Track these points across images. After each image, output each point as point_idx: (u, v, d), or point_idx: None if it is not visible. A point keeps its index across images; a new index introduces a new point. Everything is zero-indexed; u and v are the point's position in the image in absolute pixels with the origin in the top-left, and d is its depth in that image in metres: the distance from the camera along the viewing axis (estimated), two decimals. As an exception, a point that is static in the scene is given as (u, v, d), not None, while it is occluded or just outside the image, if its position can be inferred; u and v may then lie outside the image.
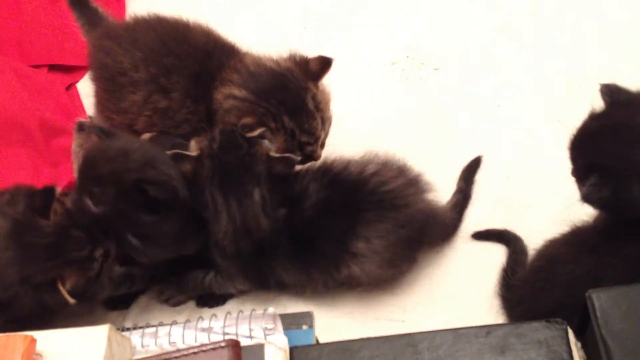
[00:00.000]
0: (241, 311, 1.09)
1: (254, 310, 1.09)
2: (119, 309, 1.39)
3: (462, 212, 1.50)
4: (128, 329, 1.07)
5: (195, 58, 1.39)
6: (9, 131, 1.58)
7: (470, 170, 1.56)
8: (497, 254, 1.43)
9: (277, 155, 1.30)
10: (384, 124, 1.69)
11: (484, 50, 1.80)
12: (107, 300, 1.39)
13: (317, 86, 1.38)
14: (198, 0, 1.97)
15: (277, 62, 1.39)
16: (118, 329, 1.00)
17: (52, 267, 1.15)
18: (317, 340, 1.20)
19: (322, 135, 1.40)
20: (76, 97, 1.76)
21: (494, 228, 1.46)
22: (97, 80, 1.48)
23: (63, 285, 1.16)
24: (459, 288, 1.40)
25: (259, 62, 1.39)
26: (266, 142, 1.33)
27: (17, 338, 0.89)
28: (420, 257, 1.43)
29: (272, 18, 1.93)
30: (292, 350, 1.06)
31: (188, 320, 1.10)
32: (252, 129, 1.31)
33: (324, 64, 1.38)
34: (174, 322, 1.08)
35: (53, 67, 1.81)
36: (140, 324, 1.13)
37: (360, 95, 1.75)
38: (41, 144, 1.60)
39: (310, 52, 1.80)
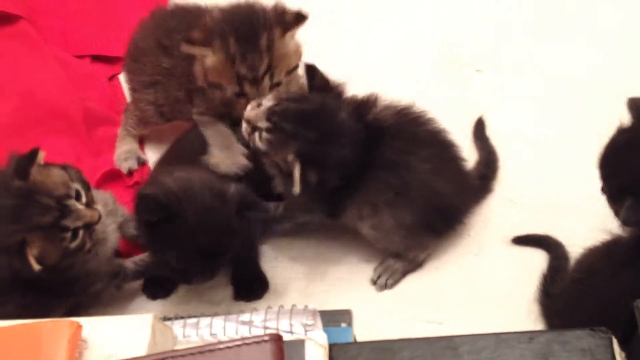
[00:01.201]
0: (282, 306, 1.08)
1: (294, 305, 1.08)
2: (159, 298, 1.40)
3: (493, 167, 1.51)
4: (170, 319, 1.07)
5: (192, 17, 1.44)
6: (53, 120, 1.61)
7: (479, 129, 1.59)
8: (539, 259, 1.41)
9: None
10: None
11: (525, 52, 1.78)
12: (146, 289, 1.41)
13: (282, 34, 1.37)
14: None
15: (259, 3, 1.41)
16: (161, 319, 1.00)
17: (15, 230, 1.15)
18: (355, 338, 1.19)
19: (266, 82, 1.37)
20: (118, 88, 1.77)
21: (535, 233, 1.44)
22: (125, 63, 1.59)
23: (30, 251, 1.15)
24: (499, 292, 1.39)
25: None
26: None
27: (64, 324, 0.89)
28: (461, 259, 1.41)
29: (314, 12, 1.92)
30: (332, 347, 1.05)
31: (229, 313, 1.10)
32: (192, 43, 1.33)
33: (299, 18, 1.38)
34: (215, 314, 1.08)
35: (96, 58, 1.83)
36: (181, 314, 1.14)
37: (402, 95, 1.72)
38: (84, 133, 1.62)
39: (353, 52, 1.82)
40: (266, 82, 1.36)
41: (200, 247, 1.23)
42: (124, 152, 1.61)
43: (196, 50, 1.35)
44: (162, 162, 1.49)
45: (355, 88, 1.49)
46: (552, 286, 1.32)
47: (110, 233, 1.33)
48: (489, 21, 1.85)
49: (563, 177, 1.54)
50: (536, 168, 1.56)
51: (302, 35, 1.42)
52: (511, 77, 1.73)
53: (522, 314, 1.36)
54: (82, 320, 0.92)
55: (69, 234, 1.19)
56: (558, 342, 1.04)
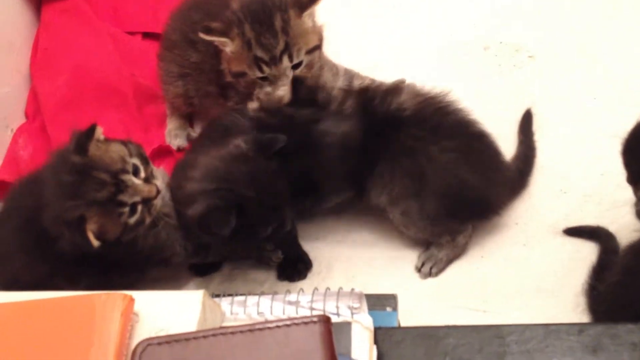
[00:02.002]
0: (328, 288, 1.09)
1: (341, 288, 1.08)
2: (206, 275, 1.42)
3: (530, 163, 1.49)
4: (217, 296, 1.08)
5: (219, 7, 1.43)
6: (104, 95, 1.63)
7: (526, 122, 1.56)
8: (587, 251, 1.39)
9: None
10: (473, 109, 1.63)
11: (581, 40, 1.73)
12: (194, 266, 1.42)
13: (299, 15, 1.36)
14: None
15: None
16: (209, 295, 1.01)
17: (74, 206, 1.16)
18: (399, 323, 1.19)
19: (285, 63, 1.36)
20: (168, 66, 1.78)
21: (588, 225, 1.41)
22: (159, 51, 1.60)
23: (89, 226, 1.16)
24: (545, 283, 1.37)
25: None
26: None
27: (118, 297, 0.91)
28: (508, 249, 1.40)
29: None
30: (377, 330, 1.05)
31: (274, 292, 1.11)
32: (210, 33, 1.34)
33: None
34: (262, 293, 1.09)
35: (147, 35, 1.84)
36: (229, 292, 1.15)
37: (451, 80, 1.70)
38: (134, 109, 1.63)
39: (400, 34, 1.79)
40: (285, 62, 1.36)
41: (270, 206, 1.23)
42: (174, 129, 1.62)
43: (215, 39, 1.36)
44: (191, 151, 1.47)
45: (398, 73, 1.52)
46: (600, 280, 1.30)
47: (172, 206, 1.33)
48: (546, 5, 1.81)
49: (614, 169, 1.50)
50: (587, 158, 1.53)
51: (340, 17, 1.41)
52: (565, 65, 1.69)
53: (568, 306, 1.34)
54: (134, 293, 0.93)
55: (127, 209, 1.19)
56: (608, 335, 1.03)
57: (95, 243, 1.16)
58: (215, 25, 1.35)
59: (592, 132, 1.57)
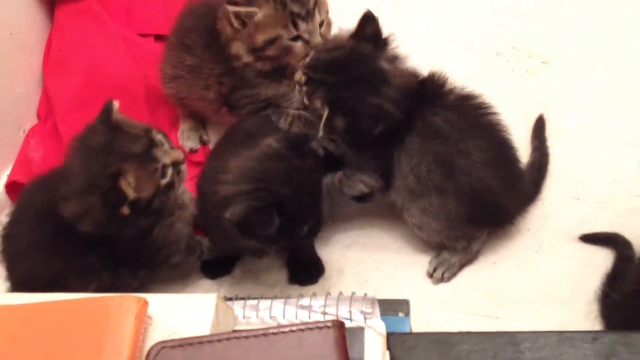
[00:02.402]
0: (341, 293, 1.08)
1: (353, 293, 1.08)
2: (218, 278, 1.42)
3: (543, 170, 1.48)
4: (230, 299, 1.08)
5: (211, 14, 1.45)
6: (116, 96, 1.58)
7: (539, 128, 1.55)
8: (601, 258, 1.38)
9: None
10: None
11: (596, 46, 1.73)
12: (206, 268, 1.42)
13: None
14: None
15: None
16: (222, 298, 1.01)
17: (110, 161, 1.17)
18: (411, 329, 1.19)
19: (317, 17, 1.38)
20: (180, 68, 1.79)
21: (604, 231, 1.41)
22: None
23: (125, 180, 1.17)
24: (557, 290, 1.37)
25: None
26: None
27: (131, 299, 0.91)
28: (520, 255, 1.39)
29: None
30: (389, 336, 1.05)
31: (285, 296, 1.10)
32: (236, 3, 1.34)
33: None
34: (275, 297, 1.09)
35: (159, 37, 1.84)
36: (240, 295, 1.14)
37: (464, 84, 1.70)
38: (146, 110, 1.63)
39: (412, 39, 1.78)
40: (317, 16, 1.37)
41: (308, 203, 1.22)
42: (187, 130, 1.63)
43: (241, 10, 1.35)
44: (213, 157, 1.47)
45: None
46: (614, 288, 1.29)
47: (187, 201, 1.34)
48: (560, 10, 1.81)
49: (627, 176, 1.51)
50: (601, 165, 1.53)
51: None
52: (579, 71, 1.69)
53: (581, 313, 1.33)
54: (148, 296, 0.93)
55: (159, 166, 1.22)
56: (622, 343, 1.02)
57: (132, 194, 1.17)
58: None
59: (606, 139, 1.56)
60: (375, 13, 1.76)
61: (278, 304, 1.06)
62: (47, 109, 1.71)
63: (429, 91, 1.34)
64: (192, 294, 1.15)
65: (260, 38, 1.37)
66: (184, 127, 1.63)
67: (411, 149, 1.31)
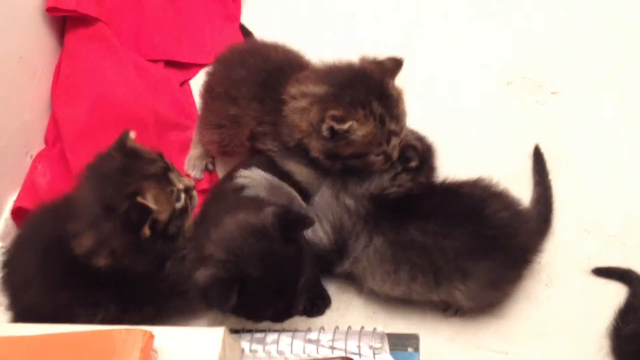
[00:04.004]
0: (350, 327, 1.07)
1: (362, 327, 1.07)
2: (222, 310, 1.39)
3: (549, 202, 1.46)
4: (236, 331, 1.06)
5: (264, 68, 1.41)
6: (125, 122, 1.61)
7: (538, 161, 1.54)
8: (613, 292, 1.36)
9: None
10: (495, 144, 1.64)
11: (606, 76, 1.73)
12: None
13: (393, 82, 1.33)
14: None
15: (350, 62, 1.35)
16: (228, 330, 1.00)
17: (127, 182, 1.18)
18: (420, 364, 1.17)
19: (404, 128, 1.33)
20: (189, 94, 1.79)
21: (617, 266, 1.39)
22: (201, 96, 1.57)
23: (144, 198, 1.18)
24: (568, 324, 1.35)
25: (331, 64, 1.36)
26: None
27: (137, 333, 0.89)
28: (530, 288, 1.38)
29: (385, 31, 1.90)
30: (398, 372, 1.03)
31: (296, 329, 1.09)
32: (343, 121, 1.24)
33: (397, 63, 1.34)
34: (283, 330, 1.07)
35: (169, 63, 1.85)
36: (247, 327, 1.13)
37: (474, 114, 1.70)
38: (154, 136, 1.62)
39: (424, 69, 1.79)
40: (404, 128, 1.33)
41: (276, 289, 1.18)
42: (194, 158, 1.62)
43: (346, 127, 1.25)
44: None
45: (421, 106, 1.47)
46: (626, 324, 1.27)
47: None
48: (570, 41, 1.81)
49: (638, 208, 1.49)
50: (611, 197, 1.51)
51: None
52: (589, 101, 1.68)
53: (592, 348, 1.31)
54: (154, 329, 0.92)
55: (175, 189, 1.23)
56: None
57: (154, 206, 1.18)
58: (338, 112, 1.25)
59: (617, 171, 1.55)
60: (389, 44, 1.79)
61: (286, 338, 1.05)
62: (55, 134, 1.70)
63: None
64: (198, 327, 1.13)
65: (348, 151, 1.29)
66: (192, 154, 1.62)
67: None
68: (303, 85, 1.32)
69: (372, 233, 1.29)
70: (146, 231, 1.18)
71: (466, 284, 1.28)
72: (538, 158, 1.56)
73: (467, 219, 1.28)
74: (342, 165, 1.32)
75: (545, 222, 1.44)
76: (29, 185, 1.63)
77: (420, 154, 1.31)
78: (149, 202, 1.18)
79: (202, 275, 1.15)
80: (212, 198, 1.41)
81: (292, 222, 1.20)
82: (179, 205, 1.25)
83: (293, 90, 1.32)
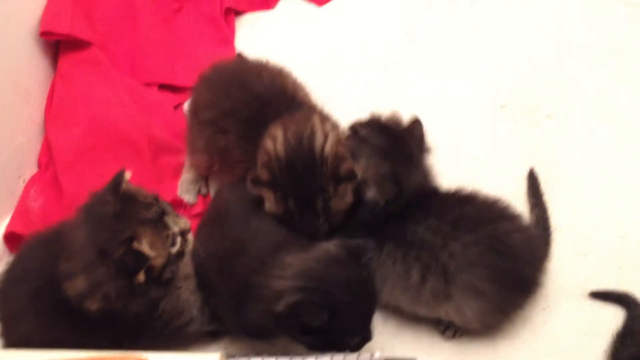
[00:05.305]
0: (348, 352, 1.06)
1: (359, 352, 1.05)
2: (217, 335, 1.38)
3: (547, 225, 1.46)
4: (233, 356, 1.05)
5: (249, 104, 1.40)
6: (119, 145, 1.61)
7: (533, 183, 1.54)
8: (610, 315, 1.36)
9: None
10: (489, 167, 1.64)
11: (600, 100, 1.74)
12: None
13: (335, 189, 1.30)
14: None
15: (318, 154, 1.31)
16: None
17: (123, 227, 1.15)
18: (417, 389, 1.16)
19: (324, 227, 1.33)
20: (183, 117, 1.78)
21: (615, 290, 1.39)
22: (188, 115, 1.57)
23: (140, 244, 1.15)
24: (565, 348, 1.34)
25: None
26: None
27: (132, 358, 0.88)
28: (527, 312, 1.37)
29: (379, 52, 1.91)
30: (396, 397, 1.02)
31: (290, 353, 1.08)
32: (260, 185, 1.29)
33: (351, 175, 1.31)
34: (279, 355, 1.06)
35: (163, 87, 1.84)
36: (243, 351, 1.11)
37: (468, 137, 1.71)
38: (148, 160, 1.62)
39: (419, 91, 1.79)
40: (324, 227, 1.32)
41: (363, 315, 1.18)
42: (187, 182, 1.61)
43: (260, 192, 1.30)
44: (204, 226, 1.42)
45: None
46: (625, 347, 1.26)
47: (191, 271, 1.31)
48: (563, 65, 1.82)
49: (634, 231, 1.49)
50: (607, 220, 1.51)
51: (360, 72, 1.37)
52: (584, 124, 1.70)
53: (590, 372, 1.30)
54: (150, 355, 0.91)
55: (170, 233, 1.20)
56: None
57: (151, 253, 1.15)
58: (262, 176, 1.29)
59: (612, 194, 1.55)
60: (386, 64, 1.79)
61: (282, 364, 1.04)
62: (48, 158, 1.69)
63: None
64: (193, 353, 1.11)
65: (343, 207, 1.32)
66: (185, 177, 1.61)
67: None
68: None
69: (381, 242, 1.29)
70: (141, 277, 1.16)
71: (479, 303, 1.27)
72: (533, 181, 1.56)
73: (480, 227, 1.28)
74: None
75: (546, 245, 1.43)
76: (21, 210, 1.61)
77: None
78: (145, 248, 1.16)
79: (288, 300, 1.13)
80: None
81: (355, 248, 1.20)
82: (174, 249, 1.22)
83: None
